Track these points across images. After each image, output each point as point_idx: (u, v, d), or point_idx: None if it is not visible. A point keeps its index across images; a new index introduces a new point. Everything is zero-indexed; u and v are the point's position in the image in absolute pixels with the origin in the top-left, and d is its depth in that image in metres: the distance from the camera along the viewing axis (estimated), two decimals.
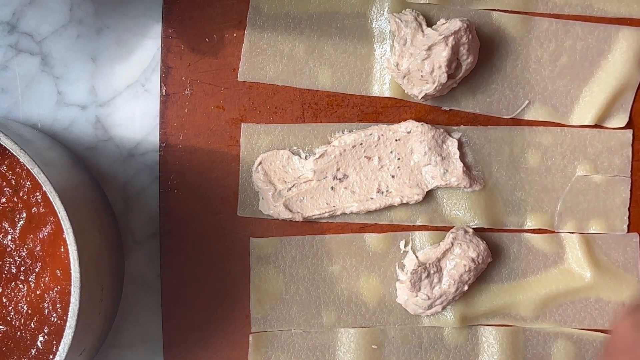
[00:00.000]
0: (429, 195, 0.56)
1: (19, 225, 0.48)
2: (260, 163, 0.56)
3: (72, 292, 0.44)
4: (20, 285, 0.48)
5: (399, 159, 0.56)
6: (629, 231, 0.57)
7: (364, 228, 0.56)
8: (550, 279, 0.56)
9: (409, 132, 0.55)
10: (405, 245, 0.56)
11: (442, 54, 0.53)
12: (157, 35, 0.56)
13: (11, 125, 0.51)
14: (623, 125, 0.57)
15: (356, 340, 0.56)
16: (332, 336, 0.56)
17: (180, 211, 0.56)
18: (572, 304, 0.56)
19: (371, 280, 0.56)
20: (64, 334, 0.44)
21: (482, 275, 0.56)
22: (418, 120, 0.56)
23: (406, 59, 0.54)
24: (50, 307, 0.48)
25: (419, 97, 0.54)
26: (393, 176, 0.56)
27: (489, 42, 0.56)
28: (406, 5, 0.56)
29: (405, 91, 0.55)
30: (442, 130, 0.56)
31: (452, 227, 0.56)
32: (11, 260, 0.48)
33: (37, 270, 0.48)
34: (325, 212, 0.55)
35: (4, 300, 0.48)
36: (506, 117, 0.57)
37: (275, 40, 0.56)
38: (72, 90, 0.56)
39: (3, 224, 0.48)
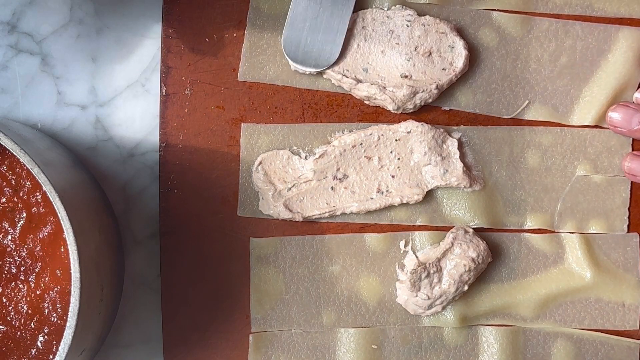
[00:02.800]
0: (429, 195, 0.56)
1: (19, 225, 0.48)
2: (260, 163, 0.56)
3: (72, 292, 0.44)
4: (20, 285, 0.48)
5: (399, 159, 0.56)
6: (629, 231, 0.57)
7: (364, 228, 0.56)
8: (550, 279, 0.56)
9: (409, 132, 0.55)
10: (405, 245, 0.56)
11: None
12: (157, 35, 0.56)
13: (11, 125, 0.51)
14: None
15: (356, 340, 0.56)
16: (332, 336, 0.56)
17: (180, 211, 0.56)
18: (572, 304, 0.57)
19: (371, 280, 0.56)
20: (64, 334, 0.44)
21: (482, 275, 0.56)
22: (418, 120, 0.56)
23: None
24: (50, 307, 0.48)
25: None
26: (393, 176, 0.56)
27: (489, 42, 0.56)
28: (406, 6, 0.56)
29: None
30: (442, 130, 0.56)
31: (452, 227, 0.56)
32: (11, 260, 0.48)
33: (37, 270, 0.48)
34: (325, 212, 0.55)
35: (4, 300, 0.48)
36: (506, 117, 0.57)
37: (275, 40, 0.56)
38: (72, 90, 0.56)
39: (3, 224, 0.48)
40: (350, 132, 0.56)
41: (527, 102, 0.56)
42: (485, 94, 0.56)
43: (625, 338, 0.57)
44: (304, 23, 0.54)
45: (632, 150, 0.57)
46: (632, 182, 0.57)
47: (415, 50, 0.55)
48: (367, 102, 0.56)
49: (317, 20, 0.54)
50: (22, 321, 0.48)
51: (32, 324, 0.48)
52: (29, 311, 0.48)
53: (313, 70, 0.55)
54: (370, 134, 0.55)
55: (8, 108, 0.56)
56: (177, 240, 0.56)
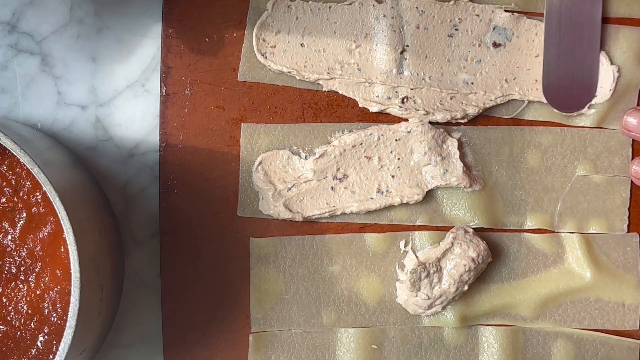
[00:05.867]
0: (429, 195, 0.56)
1: (19, 225, 0.48)
2: (260, 163, 0.56)
3: (72, 292, 0.44)
4: (20, 285, 0.48)
5: (399, 159, 0.56)
6: (629, 231, 0.57)
7: (364, 228, 0.56)
8: (550, 279, 0.56)
9: (409, 132, 0.55)
10: (405, 245, 0.56)
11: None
12: (157, 35, 0.56)
13: (11, 125, 0.51)
14: None
15: (356, 340, 0.56)
16: (332, 336, 0.56)
17: (180, 211, 0.56)
18: (572, 304, 0.57)
19: (371, 280, 0.56)
20: (64, 334, 0.44)
21: (482, 275, 0.56)
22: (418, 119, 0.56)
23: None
24: (50, 307, 0.48)
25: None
26: (393, 176, 0.56)
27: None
28: None
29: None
30: (442, 130, 0.56)
31: (452, 227, 0.56)
32: (11, 260, 0.48)
33: (37, 270, 0.48)
34: (325, 212, 0.55)
35: (4, 300, 0.48)
36: (506, 117, 0.57)
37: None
38: (72, 90, 0.56)
39: (3, 224, 0.48)
40: (350, 132, 0.56)
41: (527, 102, 0.56)
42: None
43: (625, 338, 0.57)
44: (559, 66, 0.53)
45: (632, 150, 0.57)
46: (632, 182, 0.57)
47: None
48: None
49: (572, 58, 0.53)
50: (22, 321, 0.48)
51: (32, 324, 0.48)
52: (29, 311, 0.48)
53: (575, 113, 0.55)
54: (370, 134, 0.55)
55: (8, 108, 0.56)
56: (177, 240, 0.56)
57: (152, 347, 0.57)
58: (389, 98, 0.55)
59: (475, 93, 0.55)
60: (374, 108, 0.55)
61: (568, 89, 0.54)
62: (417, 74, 0.55)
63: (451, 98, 0.55)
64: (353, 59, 0.55)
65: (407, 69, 0.55)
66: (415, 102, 0.55)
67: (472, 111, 0.55)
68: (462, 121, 0.55)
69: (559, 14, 0.53)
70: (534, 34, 0.56)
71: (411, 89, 0.55)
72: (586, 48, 0.54)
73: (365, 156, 0.56)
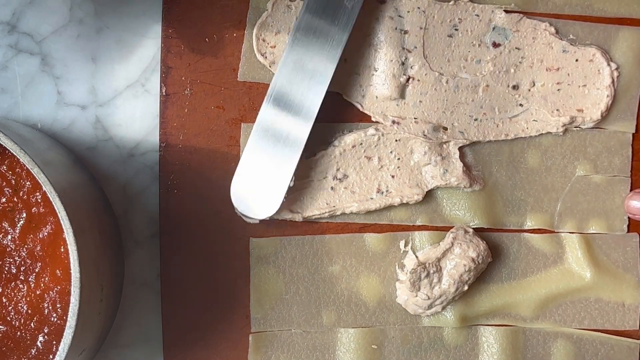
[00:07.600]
0: (429, 195, 0.56)
1: (19, 225, 0.48)
2: None
3: (72, 292, 0.44)
4: (20, 285, 0.48)
5: (398, 159, 0.56)
6: (629, 231, 0.57)
7: (364, 228, 0.56)
8: (550, 279, 0.56)
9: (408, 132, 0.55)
10: (405, 245, 0.56)
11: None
12: (157, 35, 0.56)
13: (11, 125, 0.51)
14: (632, 131, 0.56)
15: (356, 340, 0.56)
16: (332, 336, 0.56)
17: (180, 211, 0.56)
18: (572, 304, 0.57)
19: (371, 280, 0.56)
20: (64, 334, 0.44)
21: (482, 275, 0.56)
22: None
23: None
24: (50, 307, 0.48)
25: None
26: (393, 176, 0.56)
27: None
28: None
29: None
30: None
31: (452, 227, 0.56)
32: (11, 260, 0.48)
33: (37, 270, 0.48)
34: (325, 212, 0.55)
35: (4, 300, 0.48)
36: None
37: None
38: (72, 90, 0.56)
39: (3, 224, 0.48)
40: (350, 132, 0.56)
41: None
42: None
43: (625, 338, 0.57)
44: (252, 172, 0.53)
45: (632, 150, 0.57)
46: (632, 182, 0.57)
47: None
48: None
49: (264, 170, 0.53)
50: (22, 321, 0.48)
51: (32, 324, 0.48)
52: (29, 311, 0.48)
53: (255, 220, 0.54)
54: (370, 134, 0.55)
55: (8, 108, 0.56)
56: (177, 240, 0.56)
57: (152, 347, 0.57)
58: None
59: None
60: None
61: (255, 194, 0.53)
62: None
63: None
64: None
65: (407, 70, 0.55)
66: None
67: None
68: None
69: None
70: (534, 35, 0.56)
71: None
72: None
73: (365, 156, 0.56)
